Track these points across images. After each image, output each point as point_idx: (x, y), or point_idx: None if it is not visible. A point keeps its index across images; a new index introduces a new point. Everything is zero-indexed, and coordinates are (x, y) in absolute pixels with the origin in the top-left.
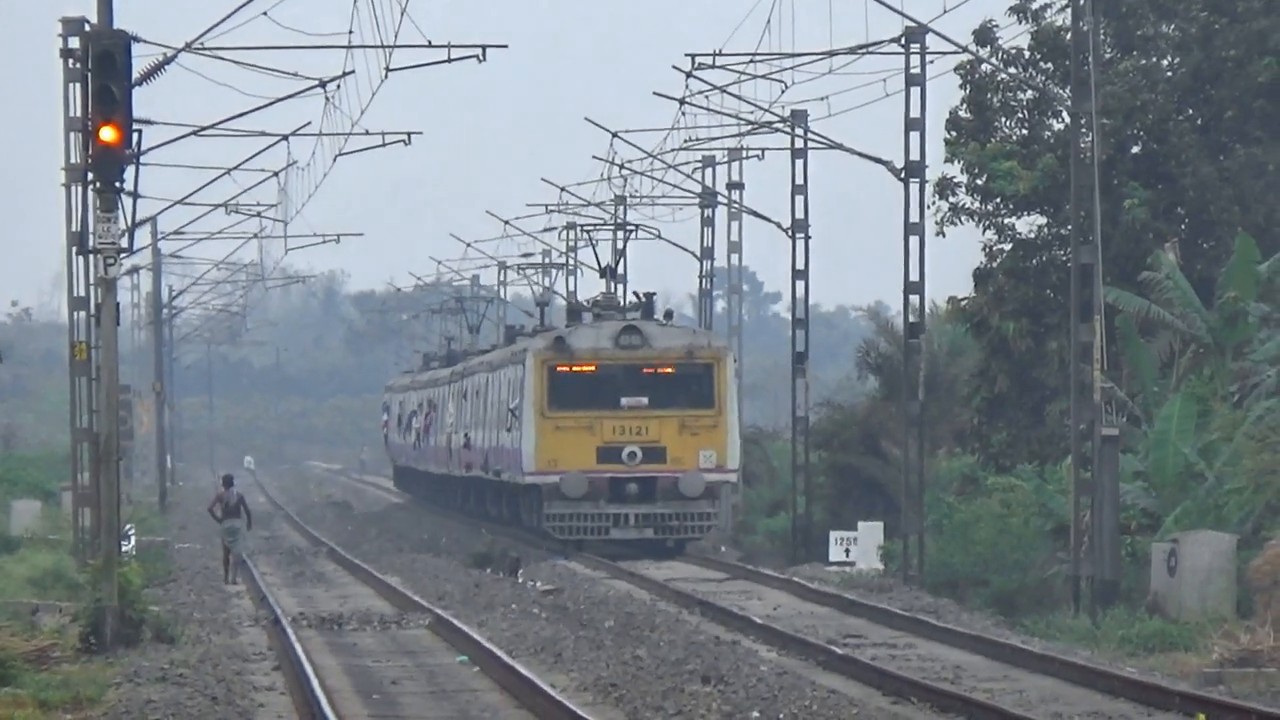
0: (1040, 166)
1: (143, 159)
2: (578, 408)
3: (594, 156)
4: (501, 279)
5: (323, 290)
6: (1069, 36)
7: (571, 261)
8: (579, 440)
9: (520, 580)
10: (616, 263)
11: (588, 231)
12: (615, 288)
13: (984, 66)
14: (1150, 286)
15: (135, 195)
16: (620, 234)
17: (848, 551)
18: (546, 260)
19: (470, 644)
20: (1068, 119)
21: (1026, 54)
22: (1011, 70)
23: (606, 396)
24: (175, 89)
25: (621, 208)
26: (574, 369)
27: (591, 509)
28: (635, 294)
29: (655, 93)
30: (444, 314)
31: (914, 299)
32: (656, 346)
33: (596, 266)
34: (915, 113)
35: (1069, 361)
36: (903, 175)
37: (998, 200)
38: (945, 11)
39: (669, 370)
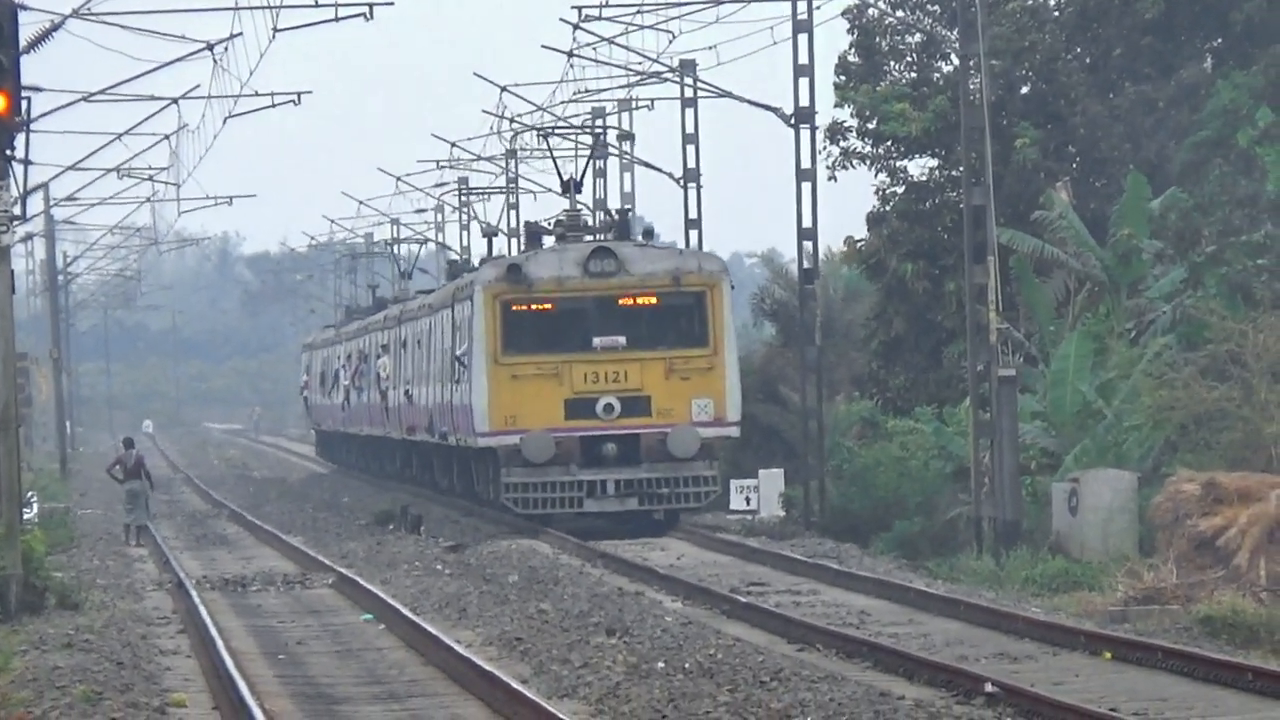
0: (930, 109)
1: (33, 126)
2: (540, 351)
3: (484, 111)
4: (395, 235)
5: (217, 253)
6: None
7: (465, 216)
8: (543, 391)
9: (423, 536)
10: (582, 177)
11: (545, 135)
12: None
13: (871, 10)
14: (1043, 226)
15: (26, 163)
16: (584, 143)
17: (749, 500)
18: (440, 216)
19: (375, 602)
20: (956, 61)
21: None
22: (899, 14)
23: (575, 336)
24: (64, 55)
25: (513, 161)
26: (533, 304)
27: (560, 476)
28: (606, 211)
29: (543, 46)
30: (369, 258)
31: (808, 245)
32: (635, 272)
33: (559, 180)
34: (804, 59)
35: (965, 303)
36: (793, 121)
37: (889, 143)
38: None
39: (651, 301)
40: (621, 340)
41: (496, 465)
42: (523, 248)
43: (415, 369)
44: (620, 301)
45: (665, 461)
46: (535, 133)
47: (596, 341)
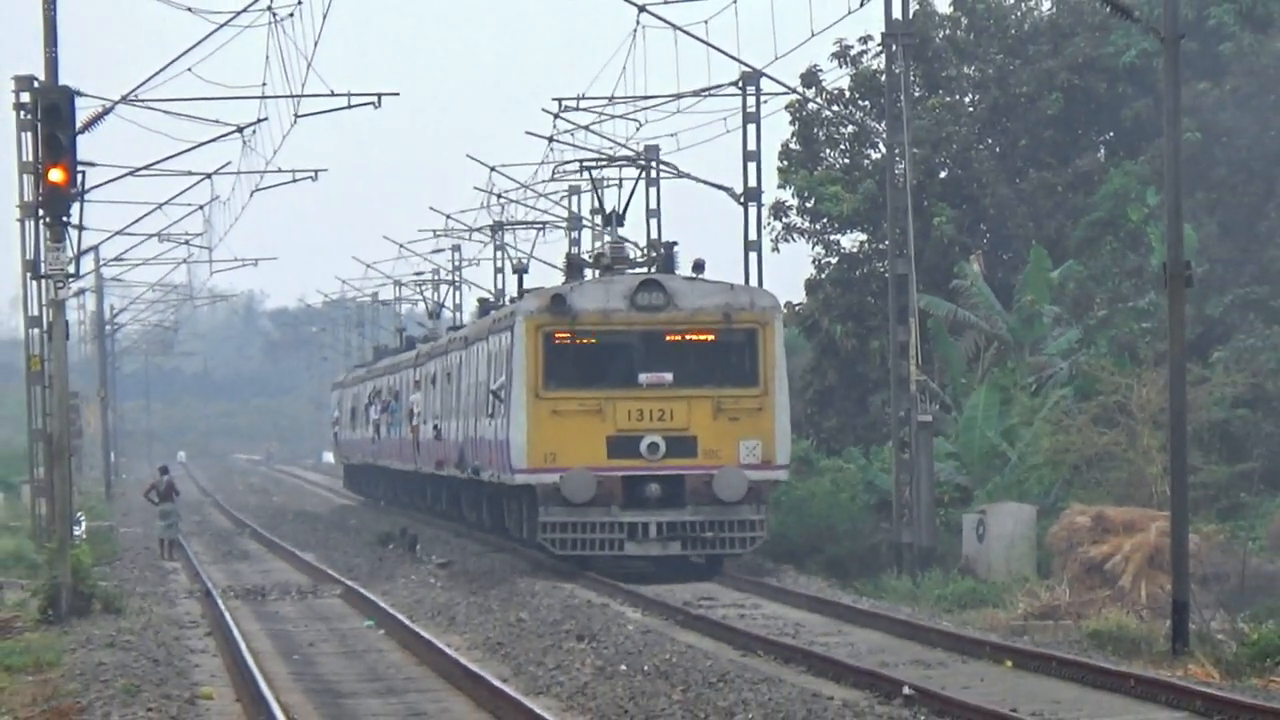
0: (861, 191)
1: (86, 196)
2: (583, 386)
3: (475, 187)
4: (397, 295)
5: (243, 307)
6: (884, 78)
7: (457, 279)
8: (584, 428)
9: (418, 554)
10: (625, 208)
11: (589, 169)
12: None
13: (811, 105)
14: (958, 293)
15: (80, 228)
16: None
17: None
18: (436, 278)
19: (376, 610)
20: (884, 149)
21: (847, 94)
22: (835, 108)
23: (620, 372)
24: (113, 135)
25: (500, 232)
26: (577, 337)
27: (601, 517)
28: (651, 243)
29: (528, 132)
30: (401, 302)
31: None
32: (684, 307)
33: (600, 213)
34: (752, 146)
35: (889, 358)
36: (742, 200)
37: (825, 220)
38: (777, 58)
39: (701, 338)
40: (668, 377)
41: (533, 504)
42: (564, 280)
43: (445, 404)
44: (668, 337)
45: (710, 504)
46: (579, 165)
47: (642, 378)
